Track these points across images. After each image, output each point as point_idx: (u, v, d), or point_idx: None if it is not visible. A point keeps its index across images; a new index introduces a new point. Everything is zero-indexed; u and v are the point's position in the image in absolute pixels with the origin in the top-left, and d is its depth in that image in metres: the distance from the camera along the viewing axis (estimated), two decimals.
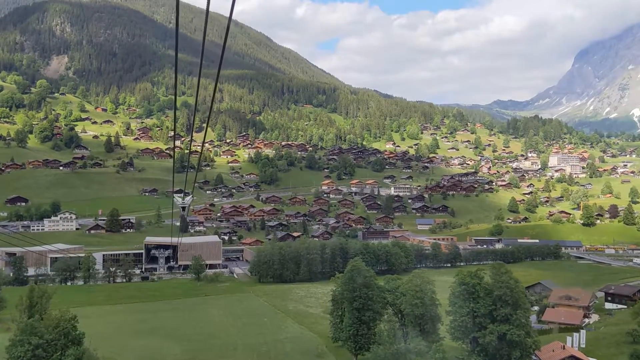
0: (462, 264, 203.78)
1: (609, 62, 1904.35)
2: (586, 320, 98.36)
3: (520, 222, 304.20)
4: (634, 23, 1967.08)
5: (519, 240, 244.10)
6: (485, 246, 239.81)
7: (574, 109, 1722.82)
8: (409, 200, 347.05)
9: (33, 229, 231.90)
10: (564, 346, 66.87)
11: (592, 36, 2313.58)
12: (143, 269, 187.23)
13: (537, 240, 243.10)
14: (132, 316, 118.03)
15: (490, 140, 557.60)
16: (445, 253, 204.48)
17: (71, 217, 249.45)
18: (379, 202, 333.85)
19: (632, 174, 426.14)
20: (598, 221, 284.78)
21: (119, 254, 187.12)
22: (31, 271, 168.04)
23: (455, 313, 62.82)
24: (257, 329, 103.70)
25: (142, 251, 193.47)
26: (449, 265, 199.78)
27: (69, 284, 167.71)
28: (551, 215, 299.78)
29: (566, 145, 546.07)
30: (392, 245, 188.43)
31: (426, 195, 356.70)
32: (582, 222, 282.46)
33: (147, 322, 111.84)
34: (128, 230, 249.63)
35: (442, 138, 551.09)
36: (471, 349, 62.14)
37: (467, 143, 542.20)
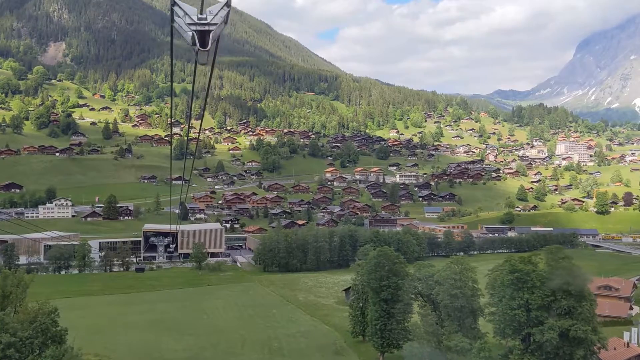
0: (475, 252, 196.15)
1: (610, 52, 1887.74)
2: (630, 312, 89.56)
3: (529, 211, 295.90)
4: (636, 13, 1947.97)
5: (532, 229, 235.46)
6: (496, 234, 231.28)
7: (575, 99, 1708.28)
8: (415, 188, 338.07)
9: (27, 216, 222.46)
10: (628, 344, 58.07)
11: (594, 26, 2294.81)
12: (142, 257, 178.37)
13: (551, 229, 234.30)
14: (128, 307, 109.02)
15: (495, 129, 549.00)
16: (458, 241, 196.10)
17: (67, 204, 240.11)
18: (384, 190, 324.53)
19: None
20: (612, 209, 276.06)
21: (116, 242, 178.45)
22: (23, 259, 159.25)
23: (505, 306, 53.52)
24: (266, 321, 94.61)
25: (141, 239, 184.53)
26: (462, 253, 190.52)
27: (63, 272, 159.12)
28: (564, 203, 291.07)
29: (572, 134, 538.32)
30: (403, 233, 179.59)
31: (433, 183, 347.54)
32: (595, 210, 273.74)
33: (144, 314, 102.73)
34: (126, 217, 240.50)
35: (446, 126, 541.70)
36: (524, 347, 53.00)
37: (471, 131, 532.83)
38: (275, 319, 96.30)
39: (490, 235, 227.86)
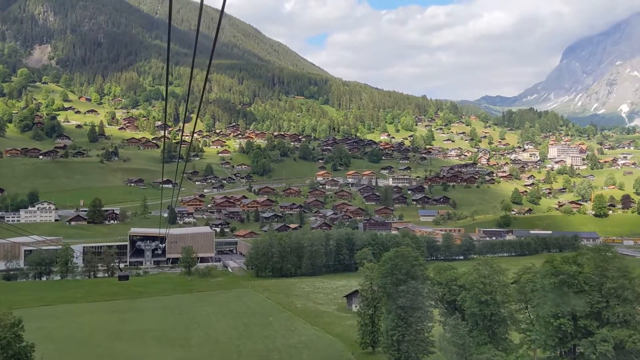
0: (474, 256, 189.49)
1: (596, 58, 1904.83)
2: None
3: (524, 214, 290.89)
4: (622, 19, 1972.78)
5: (531, 232, 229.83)
6: (494, 238, 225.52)
7: (562, 105, 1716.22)
8: (409, 192, 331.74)
9: (8, 220, 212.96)
10: None
11: (580, 32, 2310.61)
12: (128, 262, 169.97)
13: (551, 232, 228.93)
14: (113, 316, 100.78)
15: (486, 132, 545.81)
16: (458, 244, 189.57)
17: (50, 207, 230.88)
18: (377, 193, 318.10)
19: (633, 166, 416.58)
20: (610, 212, 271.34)
21: (100, 246, 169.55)
22: (1, 265, 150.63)
23: (547, 313, 46.46)
24: (263, 330, 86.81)
25: (127, 243, 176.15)
26: (462, 257, 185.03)
27: (44, 279, 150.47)
28: (561, 205, 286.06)
29: (563, 138, 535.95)
30: (402, 236, 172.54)
31: (426, 187, 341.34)
32: (594, 213, 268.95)
33: (130, 323, 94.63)
34: (112, 221, 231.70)
35: (437, 130, 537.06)
36: None
37: (462, 135, 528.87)
38: (273, 328, 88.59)
39: (488, 238, 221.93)
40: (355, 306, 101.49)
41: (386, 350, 60.25)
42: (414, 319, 57.26)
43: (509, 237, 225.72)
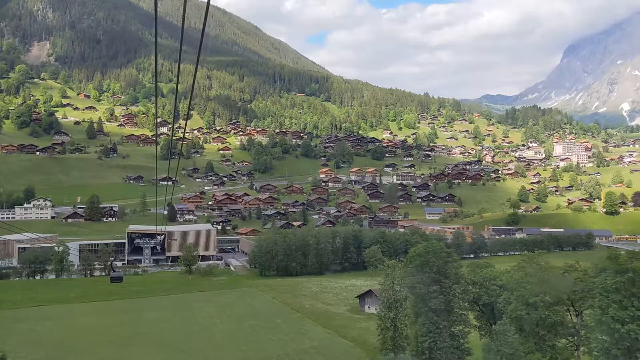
0: (486, 254, 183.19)
1: (597, 57, 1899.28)
2: None
3: (532, 212, 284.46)
4: (623, 18, 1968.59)
5: (542, 230, 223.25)
6: (503, 236, 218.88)
7: (563, 104, 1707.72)
8: (414, 189, 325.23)
9: (2, 217, 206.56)
10: None
11: (581, 31, 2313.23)
12: (126, 261, 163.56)
13: (562, 229, 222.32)
14: (109, 318, 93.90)
15: (489, 130, 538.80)
16: (469, 243, 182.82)
17: (46, 204, 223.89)
18: (381, 191, 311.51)
19: None
20: (621, 209, 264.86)
21: (97, 244, 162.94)
22: None
23: (611, 318, 39.82)
24: (271, 334, 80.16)
25: (125, 241, 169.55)
26: (472, 256, 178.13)
27: (38, 277, 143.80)
28: (571, 203, 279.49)
29: (567, 136, 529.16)
30: (411, 234, 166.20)
31: (431, 184, 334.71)
32: (604, 210, 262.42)
33: (127, 326, 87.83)
34: (110, 219, 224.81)
35: (440, 128, 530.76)
36: None
37: (465, 133, 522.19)
38: (282, 331, 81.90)
39: (497, 236, 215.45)
40: (369, 307, 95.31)
41: (418, 358, 53.44)
42: (448, 324, 50.58)
43: (518, 235, 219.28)
